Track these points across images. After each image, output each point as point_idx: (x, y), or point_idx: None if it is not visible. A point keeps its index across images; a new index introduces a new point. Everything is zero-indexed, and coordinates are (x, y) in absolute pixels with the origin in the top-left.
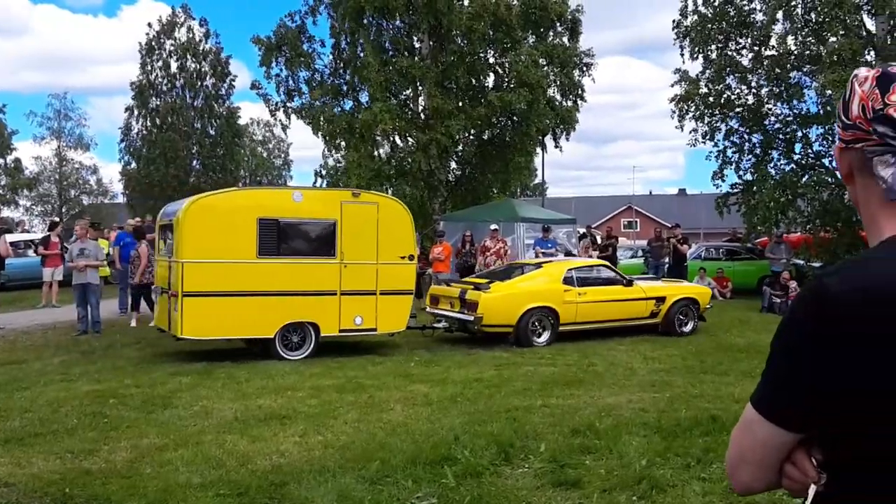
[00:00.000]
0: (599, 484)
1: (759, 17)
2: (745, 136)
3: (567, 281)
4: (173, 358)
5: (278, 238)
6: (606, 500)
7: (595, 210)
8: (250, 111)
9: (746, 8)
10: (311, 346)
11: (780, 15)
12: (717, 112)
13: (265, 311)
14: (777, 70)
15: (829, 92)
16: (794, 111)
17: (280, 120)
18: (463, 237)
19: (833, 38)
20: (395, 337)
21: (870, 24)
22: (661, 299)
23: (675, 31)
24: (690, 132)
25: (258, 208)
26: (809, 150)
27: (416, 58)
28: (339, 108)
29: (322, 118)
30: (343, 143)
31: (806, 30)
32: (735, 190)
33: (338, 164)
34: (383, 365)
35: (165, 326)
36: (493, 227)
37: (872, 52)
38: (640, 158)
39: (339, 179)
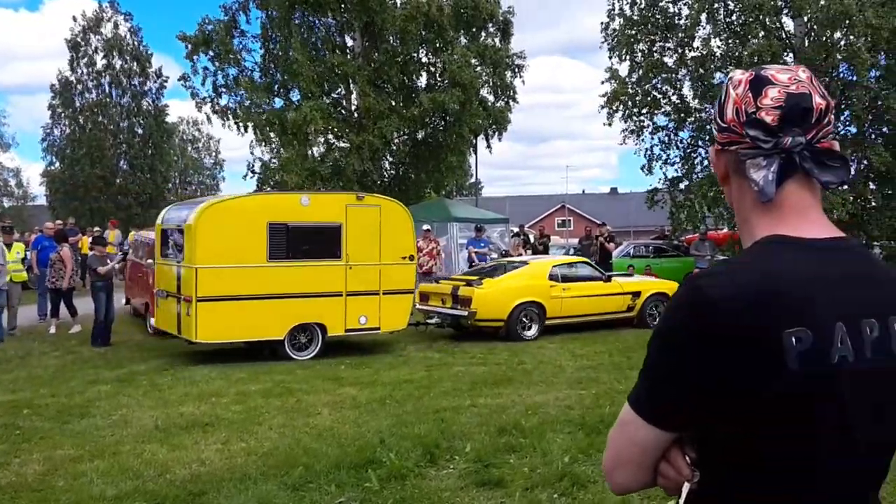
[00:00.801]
0: (522, 482)
1: (684, 19)
2: (673, 134)
3: (552, 277)
4: (93, 366)
5: (287, 242)
6: (528, 499)
7: (529, 209)
8: (179, 109)
9: (671, 11)
10: (318, 346)
11: (703, 17)
12: (644, 111)
13: (275, 314)
14: (701, 70)
15: None
16: None
17: (206, 114)
18: None
19: (754, 40)
20: (395, 335)
21: (789, 26)
22: (636, 294)
23: (603, 33)
24: (621, 132)
25: (268, 213)
26: None
27: (348, 56)
28: (270, 106)
29: (251, 115)
30: (277, 140)
31: (728, 31)
32: (663, 186)
33: (271, 162)
34: (312, 368)
35: (169, 329)
36: (425, 227)
37: (791, 54)
38: (573, 158)
39: (274, 178)
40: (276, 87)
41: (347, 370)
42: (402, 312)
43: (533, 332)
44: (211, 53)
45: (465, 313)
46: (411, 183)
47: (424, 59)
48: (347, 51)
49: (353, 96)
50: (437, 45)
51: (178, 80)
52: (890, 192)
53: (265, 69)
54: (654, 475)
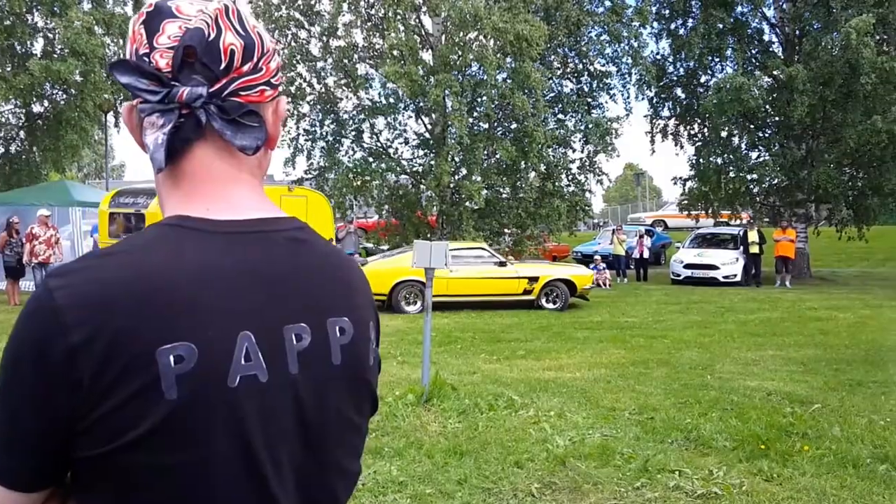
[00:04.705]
0: None
1: (327, 6)
2: (318, 124)
3: None
4: None
5: None
6: None
7: None
8: None
9: None
10: None
11: (345, 6)
12: (289, 100)
13: None
14: (345, 61)
15: (390, 85)
16: (362, 102)
17: None
18: (8, 223)
19: (393, 34)
20: None
21: (427, 24)
22: (534, 279)
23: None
24: None
25: None
26: (377, 139)
27: None
28: None
29: None
30: None
31: (369, 24)
32: (308, 176)
33: None
34: None
35: None
36: (43, 212)
37: (430, 51)
38: None
39: None
40: None
41: None
42: None
43: (415, 307)
44: None
45: None
46: (24, 162)
47: (40, 24)
48: None
49: None
50: (53, 8)
51: None
52: (518, 183)
53: None
54: None
